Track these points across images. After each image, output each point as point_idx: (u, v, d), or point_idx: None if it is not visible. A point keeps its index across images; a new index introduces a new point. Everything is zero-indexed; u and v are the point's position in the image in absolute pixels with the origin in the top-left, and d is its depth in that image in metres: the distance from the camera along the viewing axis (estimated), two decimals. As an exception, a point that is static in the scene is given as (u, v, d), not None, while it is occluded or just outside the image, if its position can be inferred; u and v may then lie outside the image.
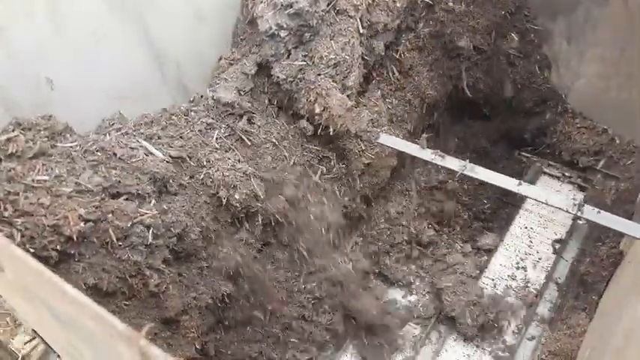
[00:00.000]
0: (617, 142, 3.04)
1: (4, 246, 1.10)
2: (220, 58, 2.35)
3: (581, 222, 2.88)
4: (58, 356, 2.00)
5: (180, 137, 2.03)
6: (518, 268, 2.80)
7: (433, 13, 2.77)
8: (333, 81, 2.23)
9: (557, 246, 2.87)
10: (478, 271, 2.74)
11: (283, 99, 2.31)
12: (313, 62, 2.19)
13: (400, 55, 2.73)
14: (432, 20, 2.78)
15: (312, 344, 2.54)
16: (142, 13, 1.97)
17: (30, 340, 2.64)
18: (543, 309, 2.61)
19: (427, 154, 2.27)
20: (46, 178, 1.64)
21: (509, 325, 2.53)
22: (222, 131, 2.16)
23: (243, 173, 2.10)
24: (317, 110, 2.21)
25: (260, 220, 2.22)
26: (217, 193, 2.03)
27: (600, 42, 2.85)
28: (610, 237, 2.72)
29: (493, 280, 2.76)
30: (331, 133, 2.27)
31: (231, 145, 2.17)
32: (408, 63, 2.77)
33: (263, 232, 2.31)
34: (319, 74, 2.19)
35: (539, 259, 2.83)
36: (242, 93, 2.23)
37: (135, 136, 1.92)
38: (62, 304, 1.10)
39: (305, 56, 2.19)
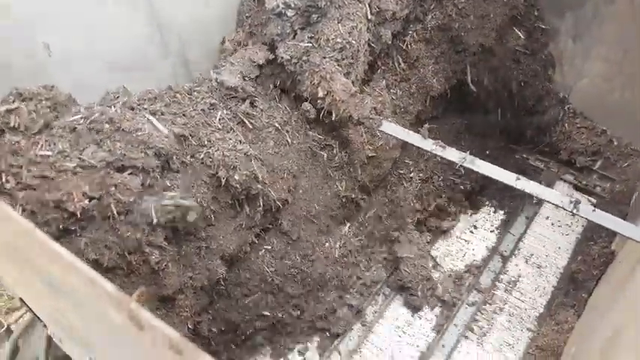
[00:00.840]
0: (615, 143, 3.05)
1: (-5, 205, 1.08)
2: (224, 41, 2.32)
3: (535, 201, 3.01)
4: (45, 325, 1.99)
5: (183, 115, 2.01)
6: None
7: (442, 7, 2.74)
8: (338, 65, 2.20)
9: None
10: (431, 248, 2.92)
11: (286, 80, 2.28)
12: (319, 44, 2.16)
13: (407, 46, 2.72)
14: (441, 13, 2.75)
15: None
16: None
17: (16, 309, 2.63)
18: (486, 278, 2.73)
19: (428, 144, 2.26)
20: (50, 153, 1.62)
21: (451, 293, 2.68)
22: (225, 112, 2.14)
23: (244, 154, 2.08)
24: (320, 94, 2.19)
25: (261, 203, 2.20)
26: (217, 173, 2.02)
27: (605, 41, 2.85)
28: (602, 237, 2.74)
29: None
30: (334, 118, 2.25)
31: (233, 127, 2.15)
32: (415, 54, 2.76)
33: (263, 217, 2.29)
34: (324, 57, 2.16)
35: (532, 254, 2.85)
36: (247, 79, 2.21)
37: (140, 110, 1.89)
38: (53, 267, 1.09)
39: (311, 38, 2.16)
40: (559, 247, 2.86)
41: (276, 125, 2.29)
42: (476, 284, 2.71)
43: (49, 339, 2.22)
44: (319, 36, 2.16)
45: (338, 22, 2.17)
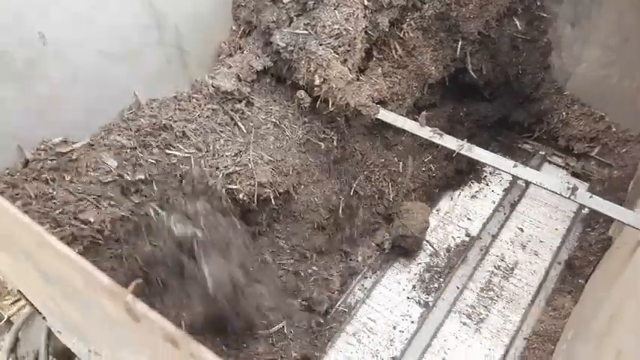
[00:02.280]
0: (614, 129, 3.03)
1: (-10, 197, 1.07)
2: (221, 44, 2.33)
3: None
4: (44, 318, 1.99)
5: (194, 121, 2.10)
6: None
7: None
8: (334, 52, 2.18)
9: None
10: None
11: (282, 68, 2.26)
12: (315, 31, 2.14)
13: (404, 34, 2.68)
14: (439, 2, 2.71)
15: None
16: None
17: (15, 301, 2.63)
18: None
19: (426, 132, 2.25)
20: None
21: None
22: (224, 117, 2.17)
23: (244, 166, 2.09)
24: (316, 82, 2.17)
25: (273, 202, 2.21)
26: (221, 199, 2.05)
27: (604, 27, 2.82)
28: (600, 223, 2.75)
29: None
30: (330, 106, 2.23)
31: (231, 129, 2.17)
32: (412, 43, 2.73)
33: (268, 217, 2.32)
34: (321, 44, 2.14)
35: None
36: (242, 81, 2.22)
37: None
38: (47, 258, 1.09)
39: (307, 25, 2.14)
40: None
41: (274, 120, 2.29)
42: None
43: (49, 331, 2.23)
44: (315, 22, 2.14)
45: (334, 9, 2.15)
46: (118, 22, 1.91)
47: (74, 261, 0.96)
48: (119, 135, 1.93)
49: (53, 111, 1.81)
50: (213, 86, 2.14)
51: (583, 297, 2.42)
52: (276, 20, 2.13)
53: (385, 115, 2.30)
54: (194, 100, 2.14)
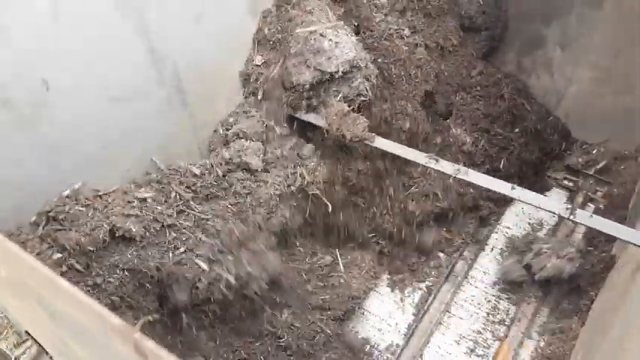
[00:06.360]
0: (605, 149, 3.07)
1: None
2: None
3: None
4: (51, 358, 1.99)
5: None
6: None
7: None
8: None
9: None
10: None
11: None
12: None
13: None
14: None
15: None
16: (143, 13, 1.96)
17: (23, 342, 2.62)
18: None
19: (422, 158, 2.28)
20: None
21: None
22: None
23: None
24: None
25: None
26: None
27: (594, 47, 2.89)
28: (602, 242, 2.74)
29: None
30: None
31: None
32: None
33: None
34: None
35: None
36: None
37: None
38: (58, 301, 1.10)
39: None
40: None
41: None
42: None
43: (56, 370, 2.22)
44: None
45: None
46: (119, 66, 1.95)
47: (83, 302, 0.98)
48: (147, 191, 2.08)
49: (65, 158, 1.86)
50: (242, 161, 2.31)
51: (590, 318, 2.40)
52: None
53: (381, 143, 2.34)
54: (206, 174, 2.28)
